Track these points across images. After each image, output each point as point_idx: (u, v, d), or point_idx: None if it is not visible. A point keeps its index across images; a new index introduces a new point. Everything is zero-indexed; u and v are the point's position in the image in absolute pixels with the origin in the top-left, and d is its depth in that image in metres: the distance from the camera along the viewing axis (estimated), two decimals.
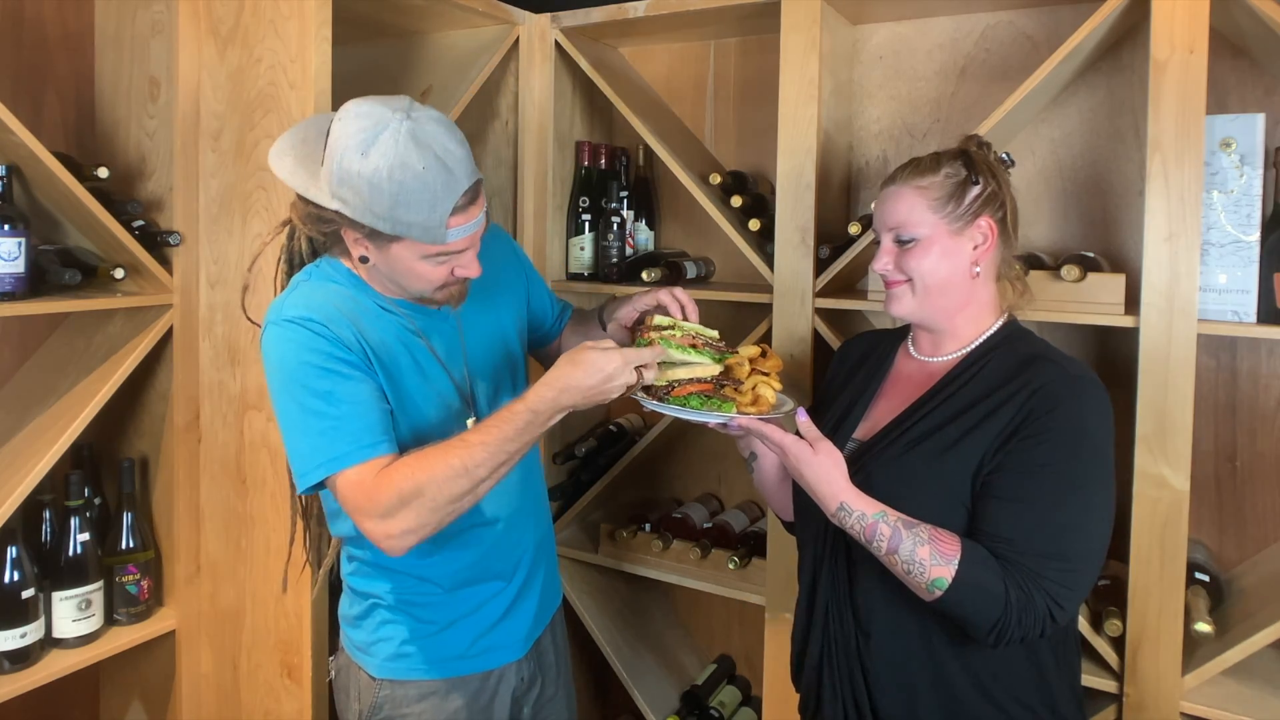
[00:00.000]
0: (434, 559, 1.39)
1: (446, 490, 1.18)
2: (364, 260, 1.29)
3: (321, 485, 1.26)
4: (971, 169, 1.29)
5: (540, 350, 1.68)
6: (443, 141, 1.21)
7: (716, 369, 1.30)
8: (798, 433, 1.26)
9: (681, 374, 1.28)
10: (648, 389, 1.29)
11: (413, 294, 1.34)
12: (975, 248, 1.29)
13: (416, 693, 1.40)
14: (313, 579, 1.72)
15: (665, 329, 1.31)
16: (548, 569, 1.56)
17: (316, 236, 1.34)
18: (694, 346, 1.29)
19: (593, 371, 1.20)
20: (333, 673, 1.50)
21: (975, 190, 1.28)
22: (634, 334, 1.38)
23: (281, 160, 1.26)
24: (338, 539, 1.47)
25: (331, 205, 1.22)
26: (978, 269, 1.29)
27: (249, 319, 1.49)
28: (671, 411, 1.28)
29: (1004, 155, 1.36)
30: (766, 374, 1.33)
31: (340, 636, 1.50)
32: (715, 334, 1.34)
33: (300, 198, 1.26)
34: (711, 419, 1.27)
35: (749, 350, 1.36)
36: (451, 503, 1.20)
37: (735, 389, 1.30)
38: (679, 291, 1.42)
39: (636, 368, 1.23)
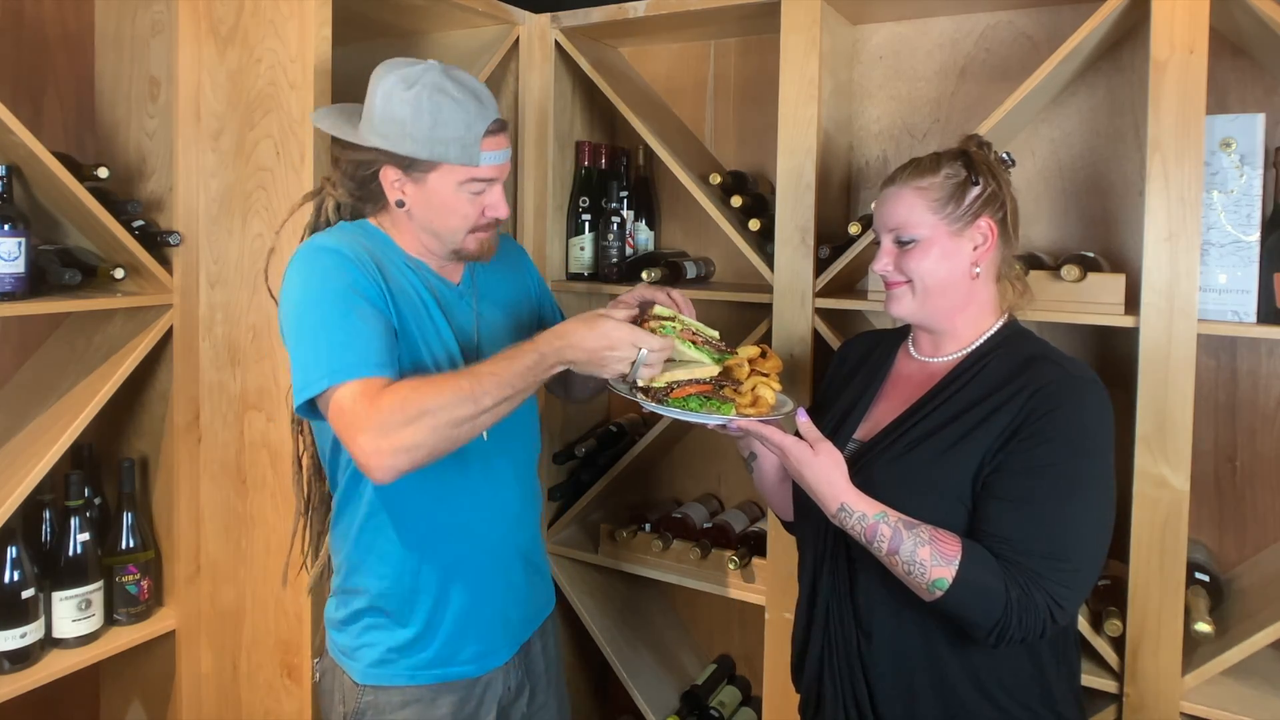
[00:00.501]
0: (425, 549, 1.38)
1: (450, 412, 1.17)
2: (400, 205, 1.34)
3: (314, 409, 1.24)
4: (971, 169, 1.28)
5: None
6: (472, 82, 1.34)
7: (715, 370, 1.30)
8: (797, 433, 1.26)
9: (681, 375, 1.28)
10: (646, 390, 1.29)
11: (446, 243, 1.37)
12: (975, 248, 1.29)
13: (400, 699, 1.38)
14: (309, 574, 1.72)
15: (666, 319, 1.31)
16: (538, 573, 1.54)
17: (346, 199, 1.40)
18: (694, 342, 1.29)
19: (599, 336, 1.21)
20: (317, 675, 1.49)
21: (975, 191, 1.28)
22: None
23: (322, 120, 1.39)
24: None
25: (371, 142, 1.31)
26: (978, 270, 1.29)
27: (269, 289, 1.48)
28: (671, 413, 1.27)
29: (1004, 155, 1.36)
30: (766, 375, 1.33)
31: (326, 639, 1.48)
32: (715, 334, 1.34)
33: (340, 147, 1.37)
34: (711, 420, 1.27)
35: (748, 351, 1.36)
36: (453, 426, 1.18)
37: (735, 390, 1.30)
38: (675, 293, 1.42)
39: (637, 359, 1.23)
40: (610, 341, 1.21)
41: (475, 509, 1.41)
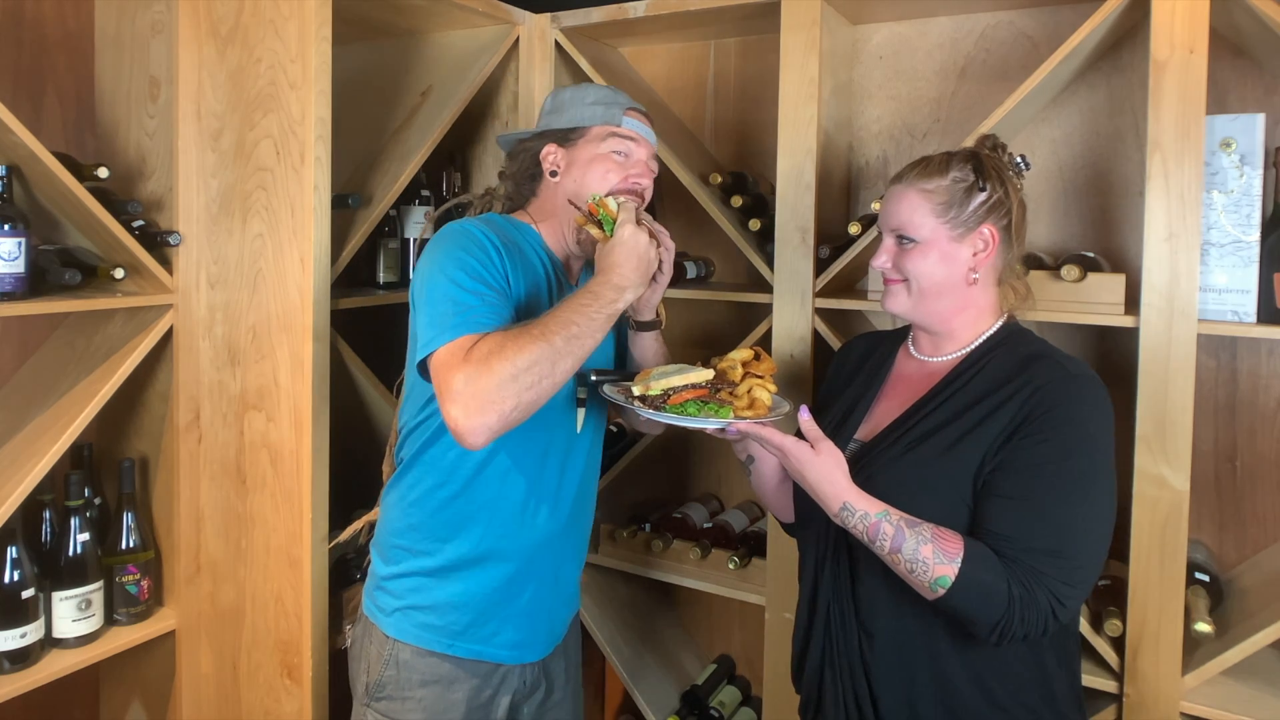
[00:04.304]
0: (501, 527, 1.43)
1: (526, 355, 1.22)
2: (554, 175, 1.50)
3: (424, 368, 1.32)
4: (980, 174, 1.28)
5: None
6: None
7: (709, 374, 1.32)
8: (797, 433, 1.26)
9: (676, 381, 1.30)
10: (643, 399, 1.30)
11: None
12: (975, 254, 1.28)
13: (419, 678, 1.43)
14: (313, 575, 1.72)
15: (600, 198, 1.40)
16: (576, 580, 1.60)
17: (510, 182, 1.57)
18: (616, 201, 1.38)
19: (626, 254, 1.35)
20: (348, 640, 1.51)
21: (981, 197, 1.27)
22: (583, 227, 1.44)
23: (503, 136, 1.63)
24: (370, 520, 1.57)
25: (538, 128, 1.54)
26: (975, 275, 1.29)
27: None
28: (669, 420, 1.29)
29: (1019, 159, 1.35)
30: (761, 377, 1.33)
31: (362, 602, 1.53)
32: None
33: (512, 153, 1.57)
34: (709, 425, 1.28)
35: (742, 354, 1.37)
36: (532, 368, 1.22)
37: (730, 393, 1.31)
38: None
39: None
40: (631, 252, 1.34)
41: (556, 498, 1.47)
